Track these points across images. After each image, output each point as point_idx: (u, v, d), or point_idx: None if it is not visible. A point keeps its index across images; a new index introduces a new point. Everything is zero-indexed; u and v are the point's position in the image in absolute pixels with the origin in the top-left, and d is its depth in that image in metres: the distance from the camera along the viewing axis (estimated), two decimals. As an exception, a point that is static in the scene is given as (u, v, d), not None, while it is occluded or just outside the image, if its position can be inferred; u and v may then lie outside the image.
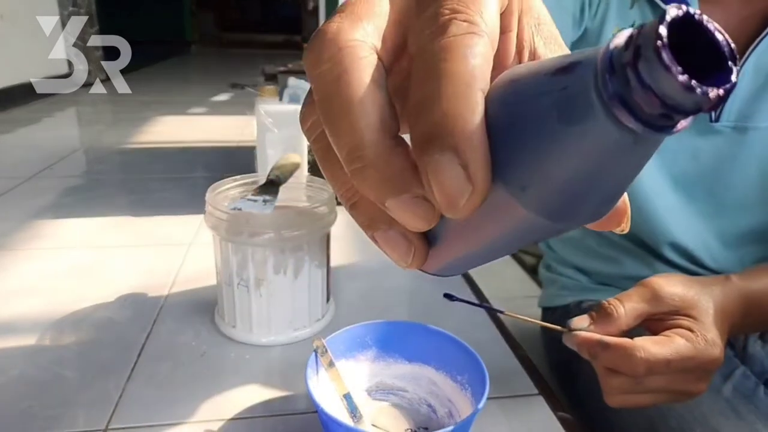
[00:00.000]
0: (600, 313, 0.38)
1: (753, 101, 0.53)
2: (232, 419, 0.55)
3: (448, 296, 0.47)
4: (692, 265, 0.63)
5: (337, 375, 0.46)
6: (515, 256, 1.59)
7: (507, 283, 1.39)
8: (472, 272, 0.94)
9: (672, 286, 0.38)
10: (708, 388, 0.38)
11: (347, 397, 0.46)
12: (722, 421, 0.52)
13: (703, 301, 0.37)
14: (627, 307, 0.38)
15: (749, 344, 0.63)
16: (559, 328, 0.41)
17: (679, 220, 0.60)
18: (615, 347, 0.35)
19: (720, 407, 0.53)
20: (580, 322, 0.38)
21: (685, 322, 0.37)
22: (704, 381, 0.37)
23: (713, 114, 0.54)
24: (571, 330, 0.39)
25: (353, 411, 0.46)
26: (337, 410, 0.45)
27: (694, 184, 0.59)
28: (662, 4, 0.54)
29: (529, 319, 0.42)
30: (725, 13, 0.54)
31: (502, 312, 0.43)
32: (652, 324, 0.38)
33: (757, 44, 0.51)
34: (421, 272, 0.22)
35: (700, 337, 0.35)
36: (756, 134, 0.54)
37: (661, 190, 0.59)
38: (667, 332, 0.36)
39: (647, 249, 0.65)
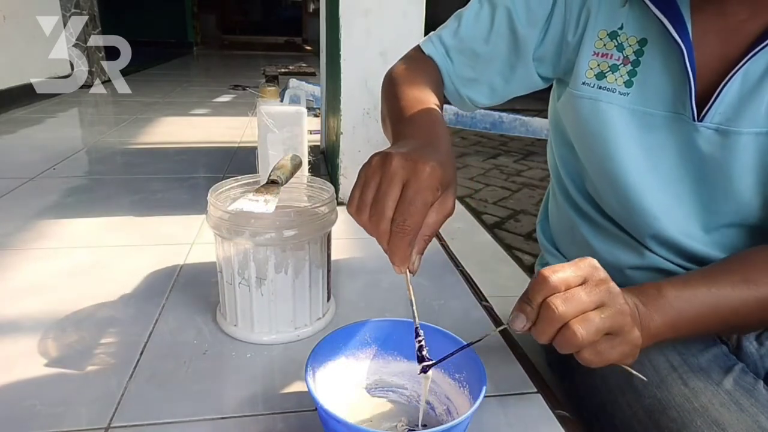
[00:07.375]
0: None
1: (738, 106, 0.54)
2: (234, 417, 0.56)
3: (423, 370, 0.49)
4: (675, 257, 0.64)
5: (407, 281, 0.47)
6: (513, 255, 1.59)
7: (504, 282, 1.39)
8: (471, 271, 0.94)
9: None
10: (622, 299, 0.42)
11: (411, 303, 0.48)
12: (724, 413, 0.52)
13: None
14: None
15: (744, 343, 0.63)
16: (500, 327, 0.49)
17: (664, 214, 0.61)
18: (529, 286, 0.43)
19: (721, 399, 0.53)
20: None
21: None
22: (605, 283, 0.42)
23: (695, 113, 0.55)
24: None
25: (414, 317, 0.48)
26: (335, 407, 0.45)
27: (681, 181, 0.60)
28: (652, 6, 0.54)
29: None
30: (722, 16, 0.54)
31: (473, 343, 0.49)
32: None
33: (755, 53, 0.51)
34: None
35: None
36: (738, 139, 0.55)
37: (648, 185, 0.60)
38: None
39: (636, 239, 0.66)
